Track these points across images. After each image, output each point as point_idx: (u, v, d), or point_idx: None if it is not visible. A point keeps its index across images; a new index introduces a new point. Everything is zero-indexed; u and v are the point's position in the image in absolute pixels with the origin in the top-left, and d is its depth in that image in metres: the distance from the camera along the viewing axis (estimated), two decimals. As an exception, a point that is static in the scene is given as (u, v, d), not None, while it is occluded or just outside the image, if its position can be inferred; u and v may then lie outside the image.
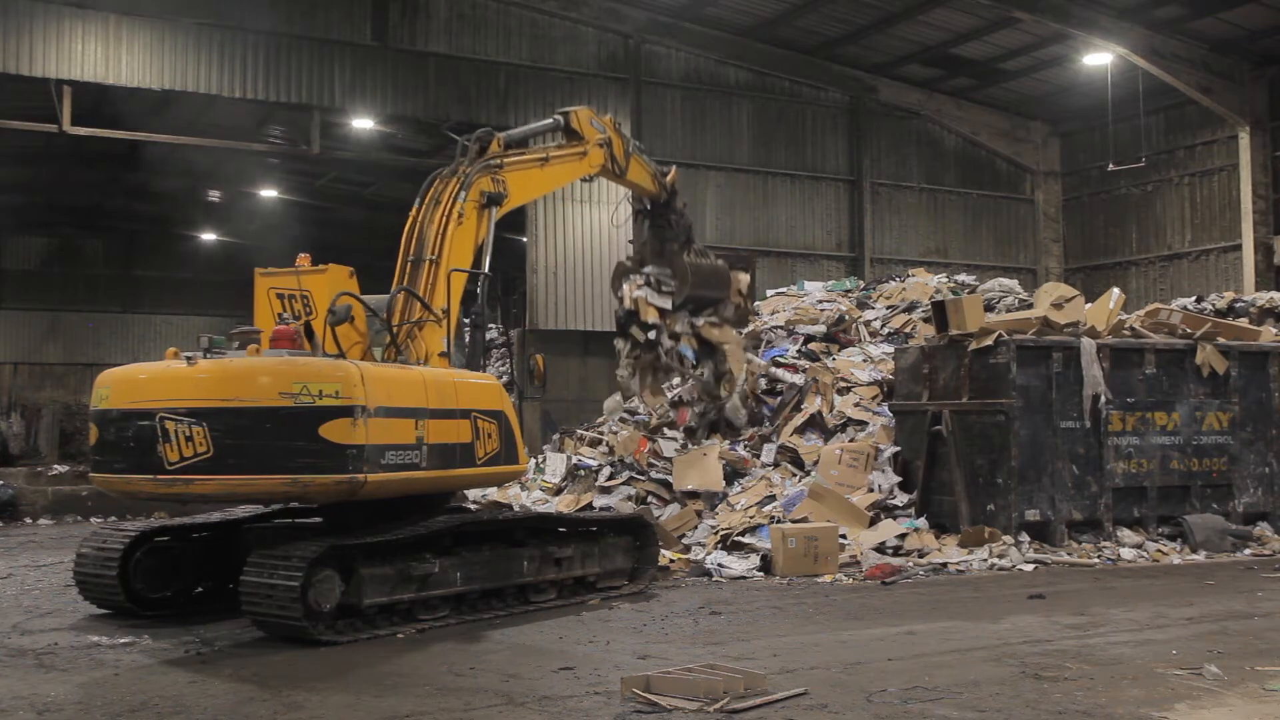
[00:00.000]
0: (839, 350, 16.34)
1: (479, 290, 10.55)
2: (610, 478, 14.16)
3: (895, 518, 12.98)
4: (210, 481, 8.22)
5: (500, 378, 10.64)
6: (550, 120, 12.58)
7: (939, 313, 13.63)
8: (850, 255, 27.84)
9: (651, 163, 13.84)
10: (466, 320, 10.96)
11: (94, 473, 9.19)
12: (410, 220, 10.33)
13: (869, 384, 15.02)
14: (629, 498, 13.61)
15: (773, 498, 13.10)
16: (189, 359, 8.51)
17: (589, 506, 13.57)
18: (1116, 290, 14.56)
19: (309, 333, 8.71)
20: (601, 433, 16.20)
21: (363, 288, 9.79)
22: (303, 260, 9.76)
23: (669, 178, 13.97)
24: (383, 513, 9.11)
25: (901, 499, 13.29)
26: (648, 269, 14.13)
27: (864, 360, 15.69)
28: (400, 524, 8.92)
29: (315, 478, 8.08)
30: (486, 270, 10.60)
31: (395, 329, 9.66)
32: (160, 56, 21.46)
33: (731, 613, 9.57)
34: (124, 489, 8.89)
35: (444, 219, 10.14)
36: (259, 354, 8.53)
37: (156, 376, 8.66)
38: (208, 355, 8.58)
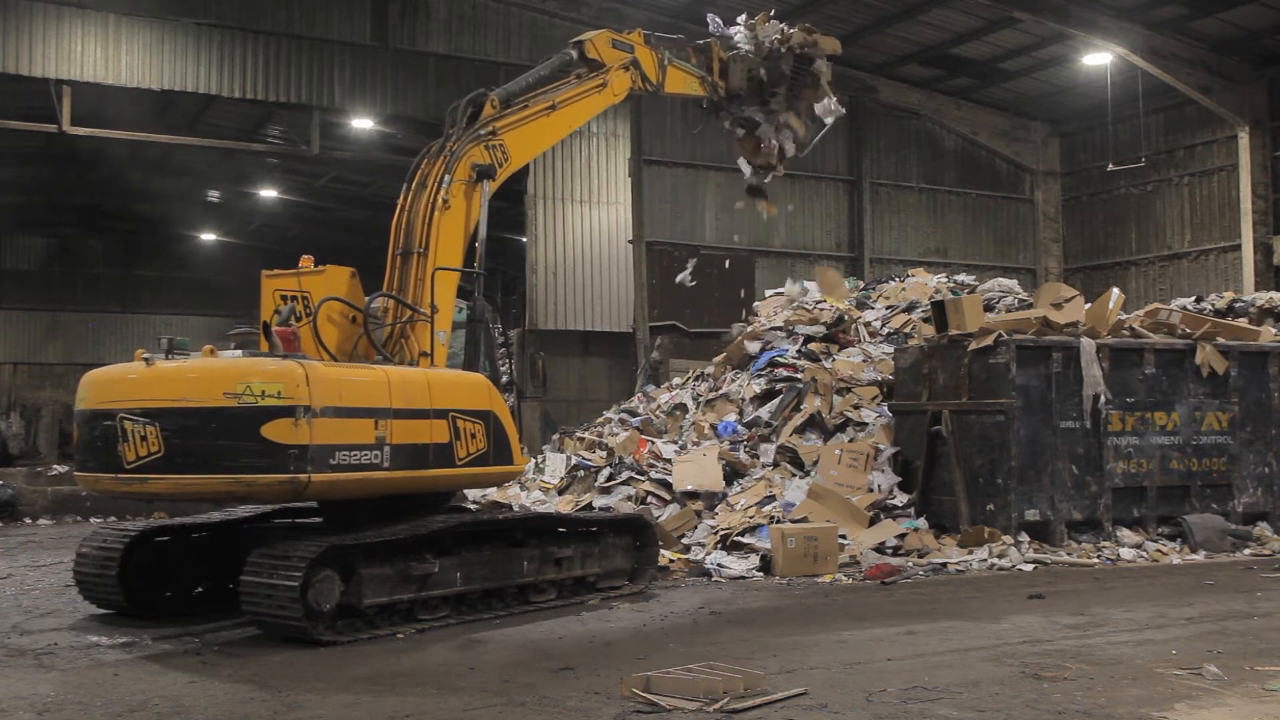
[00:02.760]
0: (838, 350, 16.34)
1: (475, 285, 10.34)
2: (610, 478, 14.15)
3: (895, 518, 12.98)
4: (163, 480, 8.38)
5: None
6: (558, 57, 11.52)
7: (939, 313, 13.64)
8: (850, 255, 27.86)
9: (695, 69, 12.66)
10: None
11: (76, 471, 9.43)
12: (398, 208, 10.00)
13: (868, 384, 15.02)
14: (629, 498, 13.61)
15: (772, 498, 13.09)
16: (147, 360, 8.66)
17: (589, 507, 13.56)
18: (1116, 290, 14.56)
19: (266, 333, 8.67)
20: (601, 433, 16.21)
21: (367, 288, 9.79)
22: (306, 262, 9.80)
23: (713, 67, 12.66)
24: (382, 512, 9.11)
25: (901, 499, 13.29)
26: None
27: (864, 360, 15.69)
28: (400, 524, 8.92)
29: (258, 477, 8.08)
30: (480, 260, 10.15)
31: (390, 328, 9.60)
32: (160, 57, 21.49)
33: (731, 613, 9.57)
34: (95, 486, 9.14)
35: (428, 207, 9.80)
36: (214, 355, 8.61)
37: (119, 377, 8.84)
38: (170, 356, 8.67)
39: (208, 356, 8.56)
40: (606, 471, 14.33)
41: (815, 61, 13.38)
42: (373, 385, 8.63)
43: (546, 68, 11.42)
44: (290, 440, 8.01)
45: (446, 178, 9.90)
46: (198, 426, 8.19)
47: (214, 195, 38.13)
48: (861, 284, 20.44)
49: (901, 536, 12.49)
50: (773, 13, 13.65)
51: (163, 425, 8.29)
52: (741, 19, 13.54)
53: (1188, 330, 14.13)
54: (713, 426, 15.10)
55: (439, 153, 10.17)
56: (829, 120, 14.04)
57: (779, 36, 13.27)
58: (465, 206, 10.08)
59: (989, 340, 12.75)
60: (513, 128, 10.63)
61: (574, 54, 11.51)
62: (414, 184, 10.04)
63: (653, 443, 14.88)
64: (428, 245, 9.73)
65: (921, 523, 12.82)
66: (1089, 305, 14.25)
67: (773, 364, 16.11)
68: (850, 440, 14.06)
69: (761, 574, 11.58)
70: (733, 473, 13.84)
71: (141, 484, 8.49)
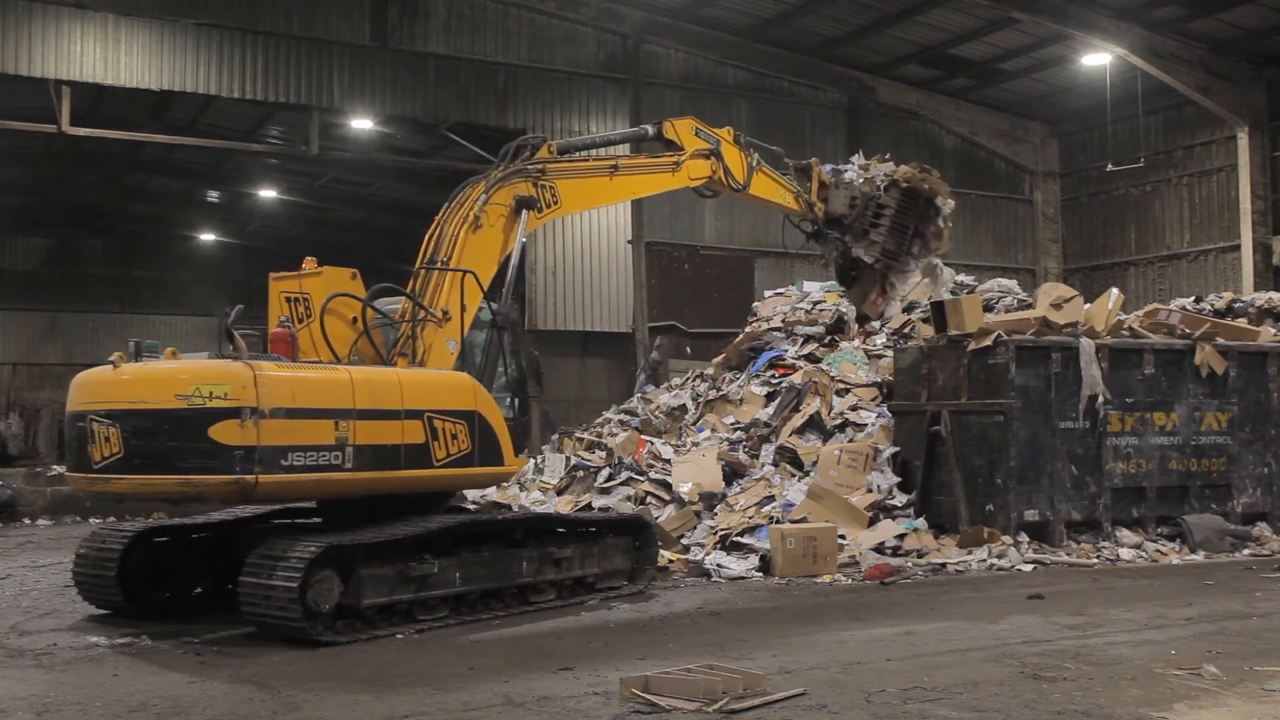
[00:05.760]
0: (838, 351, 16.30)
1: (504, 289, 10.39)
2: (609, 478, 14.15)
3: (894, 518, 12.98)
4: (122, 480, 8.54)
5: (499, 378, 10.51)
6: (633, 130, 11.79)
7: (938, 313, 13.63)
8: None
9: (791, 182, 12.76)
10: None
11: (65, 470, 9.69)
12: (434, 224, 10.20)
13: (868, 385, 15.01)
14: (628, 498, 13.61)
15: (772, 498, 13.09)
16: (113, 363, 8.78)
17: (588, 507, 13.56)
18: (1115, 290, 14.56)
19: (229, 335, 8.69)
20: (600, 433, 16.20)
21: (367, 289, 9.83)
22: (309, 263, 9.89)
23: (813, 187, 12.82)
24: (380, 512, 9.11)
25: (900, 499, 13.29)
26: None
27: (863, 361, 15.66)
28: (399, 524, 8.92)
29: (206, 478, 8.13)
30: (509, 283, 10.24)
31: (402, 331, 9.68)
32: (159, 57, 21.47)
33: (730, 613, 9.57)
34: (74, 485, 9.43)
35: (460, 223, 10.02)
36: (176, 357, 8.71)
37: (93, 380, 8.99)
38: (140, 359, 8.76)
39: (169, 359, 8.67)
40: (606, 472, 14.33)
41: (935, 204, 13.69)
42: (332, 386, 8.59)
43: (617, 134, 11.81)
44: (236, 441, 8.05)
45: (482, 198, 10.07)
46: (151, 428, 8.32)
47: (214, 195, 38.12)
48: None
49: (901, 537, 12.49)
50: (887, 155, 14.01)
51: (122, 426, 8.45)
52: (855, 159, 13.88)
53: (1187, 330, 14.13)
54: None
55: (483, 178, 10.36)
56: (943, 292, 14.44)
57: (888, 173, 13.55)
58: (499, 232, 10.21)
59: (988, 340, 12.76)
60: (567, 176, 10.83)
61: (650, 131, 11.70)
62: (453, 203, 10.23)
63: (652, 443, 14.88)
64: (451, 258, 9.84)
65: (921, 523, 12.82)
66: (1088, 305, 14.24)
67: (772, 365, 16.12)
68: (849, 441, 14.05)
69: (761, 574, 11.58)
70: (732, 473, 13.84)
71: (105, 483, 8.68)
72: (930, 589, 10.81)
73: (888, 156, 13.98)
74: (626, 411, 17.08)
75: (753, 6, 24.71)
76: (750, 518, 12.66)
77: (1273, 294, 18.78)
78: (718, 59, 26.18)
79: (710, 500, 13.28)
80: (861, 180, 13.49)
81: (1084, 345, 12.97)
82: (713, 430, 15.13)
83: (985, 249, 29.43)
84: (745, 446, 14.47)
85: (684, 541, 12.63)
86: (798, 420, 14.49)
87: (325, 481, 8.52)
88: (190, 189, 37.03)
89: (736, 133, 12.39)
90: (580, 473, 14.69)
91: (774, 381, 15.69)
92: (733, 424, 15.10)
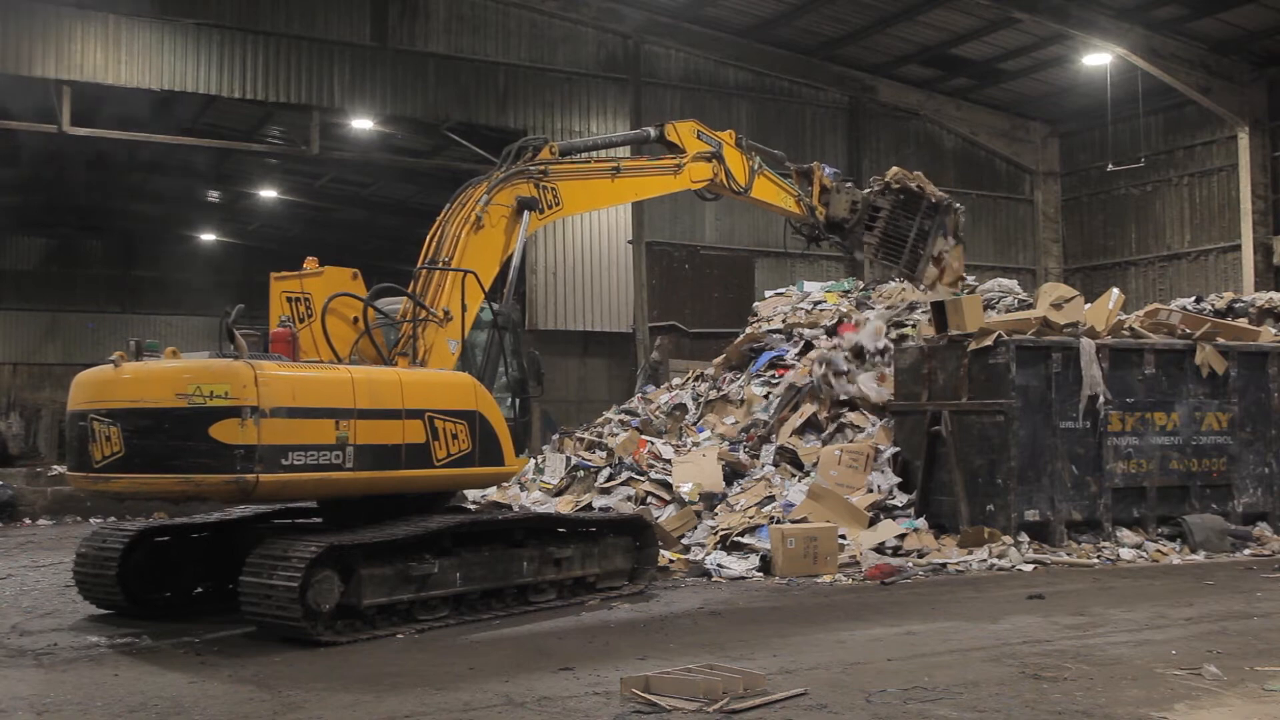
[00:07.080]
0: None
1: (505, 289, 10.41)
2: (609, 478, 14.15)
3: (895, 518, 12.98)
4: (123, 479, 8.56)
5: (499, 378, 10.51)
6: (635, 132, 11.88)
7: (938, 313, 13.63)
8: (849, 255, 27.81)
9: (792, 185, 12.96)
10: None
11: (66, 469, 9.71)
12: (436, 224, 10.19)
13: (868, 385, 14.99)
14: (628, 498, 13.61)
15: (772, 498, 13.09)
16: (113, 362, 8.79)
17: (589, 507, 13.56)
18: (1116, 290, 14.56)
19: (229, 334, 8.69)
20: (600, 433, 16.20)
21: (367, 289, 9.84)
22: (310, 263, 9.89)
23: (814, 191, 12.99)
24: (380, 512, 9.11)
25: (901, 499, 13.28)
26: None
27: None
28: (399, 524, 8.92)
29: (206, 477, 8.14)
30: (510, 284, 10.25)
31: (403, 331, 9.69)
32: (160, 57, 21.51)
33: (731, 613, 9.57)
34: (74, 485, 9.52)
35: (461, 224, 10.03)
36: (176, 356, 8.72)
37: (93, 379, 9.00)
38: (141, 358, 8.78)
39: (169, 358, 8.68)
40: (606, 472, 14.33)
41: (944, 210, 13.84)
42: (333, 385, 8.59)
43: (619, 136, 11.89)
44: (237, 440, 8.05)
45: (484, 198, 10.07)
46: (152, 427, 8.33)
47: (214, 195, 38.14)
48: (861, 284, 20.44)
49: (901, 537, 12.48)
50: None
51: (123, 426, 8.46)
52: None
53: (1187, 330, 14.13)
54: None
55: (485, 179, 10.38)
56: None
57: (880, 177, 13.79)
58: (501, 233, 10.21)
59: (989, 340, 12.75)
60: (569, 177, 10.86)
61: (652, 133, 11.78)
62: (455, 204, 10.23)
63: (652, 443, 14.88)
64: (453, 259, 9.82)
65: (921, 523, 12.82)
66: (1089, 305, 14.24)
67: (772, 365, 16.11)
68: (849, 441, 14.05)
69: (761, 574, 11.58)
70: (732, 473, 13.84)
71: (106, 483, 8.70)
72: (930, 589, 10.81)
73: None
74: (627, 411, 17.08)
75: (753, 6, 24.71)
76: (751, 518, 12.66)
77: (1273, 294, 18.77)
78: (718, 59, 26.18)
79: (710, 500, 13.28)
80: (867, 189, 13.68)
81: (1084, 345, 12.96)
82: (713, 430, 15.14)
83: (985, 249, 29.42)
84: (745, 446, 14.47)
85: (684, 541, 12.63)
86: (797, 420, 14.49)
87: (326, 481, 8.52)
88: (190, 189, 37.02)
89: (738, 135, 12.46)
90: (581, 473, 14.69)
91: (774, 382, 15.68)
92: (733, 424, 15.10)
